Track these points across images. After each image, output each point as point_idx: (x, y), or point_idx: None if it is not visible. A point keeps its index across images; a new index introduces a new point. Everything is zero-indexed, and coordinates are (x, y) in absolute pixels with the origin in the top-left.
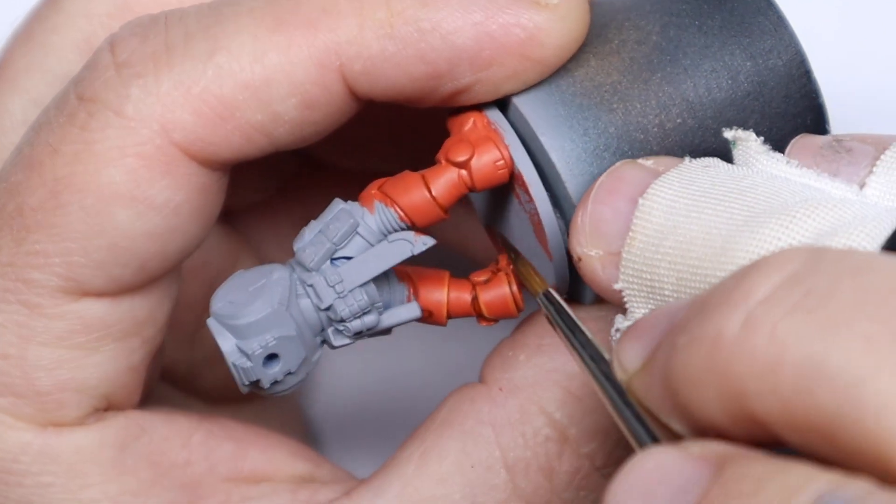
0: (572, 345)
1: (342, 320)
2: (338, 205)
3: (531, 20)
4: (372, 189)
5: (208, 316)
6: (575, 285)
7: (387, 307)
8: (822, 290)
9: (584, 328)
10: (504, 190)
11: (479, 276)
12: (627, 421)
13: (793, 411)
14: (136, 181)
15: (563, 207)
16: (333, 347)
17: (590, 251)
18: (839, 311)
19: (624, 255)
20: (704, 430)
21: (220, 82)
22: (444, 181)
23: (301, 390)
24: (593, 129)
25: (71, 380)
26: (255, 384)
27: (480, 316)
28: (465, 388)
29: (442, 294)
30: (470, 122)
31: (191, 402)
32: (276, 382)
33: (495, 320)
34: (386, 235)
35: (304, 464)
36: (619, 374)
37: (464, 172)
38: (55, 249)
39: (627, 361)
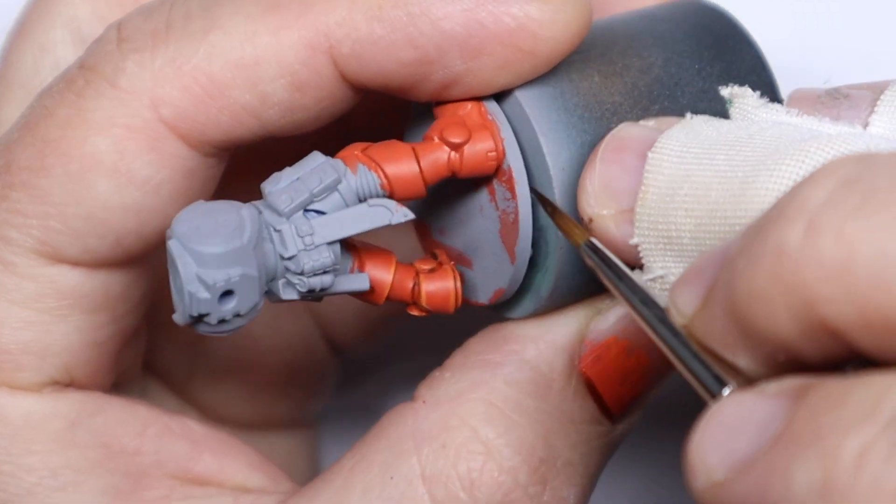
0: (621, 292)
1: (301, 273)
2: (318, 157)
3: (522, 10)
4: (355, 150)
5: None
6: (517, 297)
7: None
8: (882, 188)
9: (632, 275)
10: (458, 184)
11: (424, 265)
12: (689, 364)
13: (869, 311)
14: (119, 153)
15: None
16: (279, 300)
17: (601, 210)
18: None
19: (638, 209)
20: (775, 356)
21: (211, 60)
22: (433, 158)
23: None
24: (590, 142)
25: (34, 342)
26: (199, 319)
27: (414, 305)
28: (397, 406)
29: (388, 274)
30: (467, 107)
31: (187, 414)
32: (221, 321)
33: (427, 313)
34: (362, 199)
35: (260, 476)
36: (678, 319)
37: (454, 155)
38: (34, 211)
39: (684, 304)
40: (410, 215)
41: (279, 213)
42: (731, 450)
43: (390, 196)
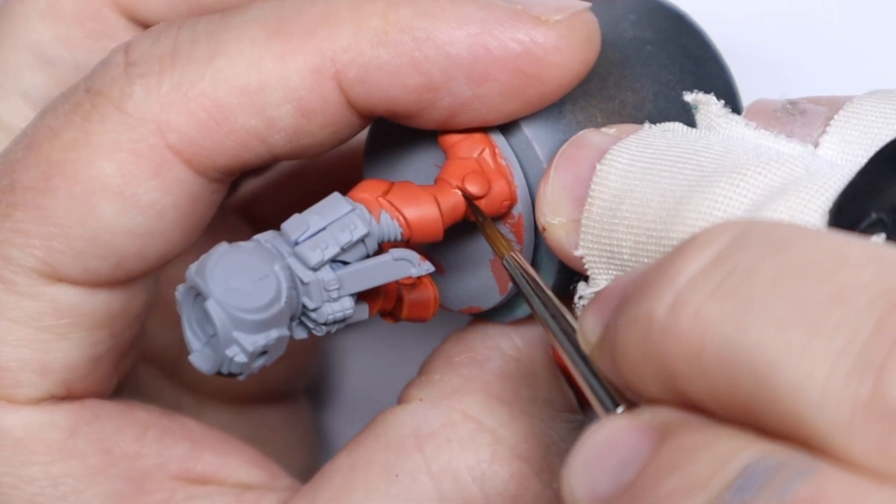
0: (535, 308)
1: (323, 323)
2: (342, 203)
3: (528, 35)
4: (376, 193)
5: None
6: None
7: None
8: (743, 270)
9: (549, 291)
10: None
11: (405, 279)
12: (592, 386)
13: (718, 393)
14: (125, 177)
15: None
16: (292, 338)
17: (553, 219)
18: (756, 291)
19: (583, 220)
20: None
21: (217, 86)
22: (452, 204)
23: (312, 395)
24: None
25: (33, 360)
26: (225, 373)
27: (391, 314)
28: (393, 407)
29: (378, 297)
30: (481, 149)
31: (182, 397)
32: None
33: (397, 320)
34: (380, 245)
35: (259, 473)
36: (583, 345)
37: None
38: (37, 231)
39: (588, 332)
40: (431, 268)
41: (308, 267)
42: (594, 482)
43: (408, 239)
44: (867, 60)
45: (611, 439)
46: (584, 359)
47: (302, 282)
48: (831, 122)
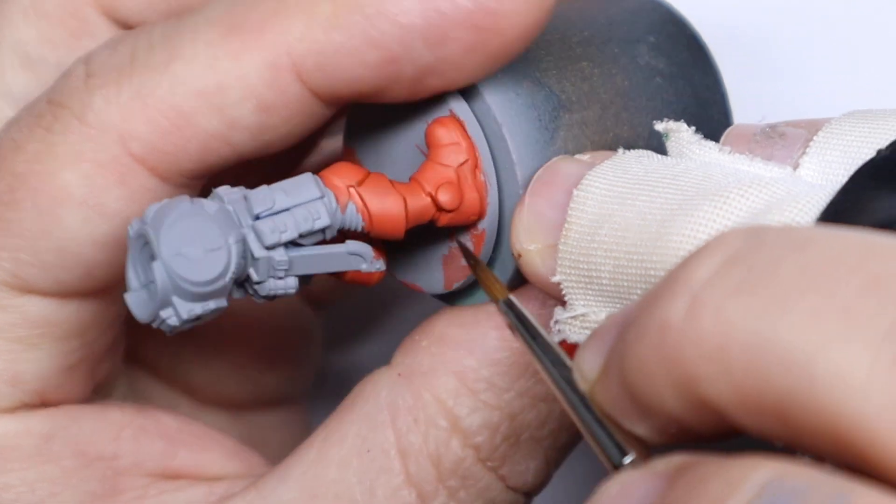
0: (534, 352)
1: (264, 296)
2: (311, 187)
3: None
4: (349, 181)
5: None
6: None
7: None
8: (765, 268)
9: (546, 336)
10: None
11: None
12: (592, 431)
13: (745, 393)
14: (89, 187)
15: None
16: (230, 297)
17: (529, 246)
18: (784, 286)
19: (560, 246)
20: (667, 429)
21: (175, 91)
22: (420, 209)
23: (311, 399)
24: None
25: (4, 371)
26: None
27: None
28: (373, 373)
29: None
30: (463, 160)
31: (179, 402)
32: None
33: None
34: (341, 232)
35: (237, 465)
36: (581, 385)
37: (437, 210)
38: (4, 244)
39: (587, 369)
40: (382, 267)
41: (262, 245)
42: None
43: (368, 233)
44: (866, 65)
45: (624, 489)
46: (587, 405)
47: (253, 256)
48: (810, 143)
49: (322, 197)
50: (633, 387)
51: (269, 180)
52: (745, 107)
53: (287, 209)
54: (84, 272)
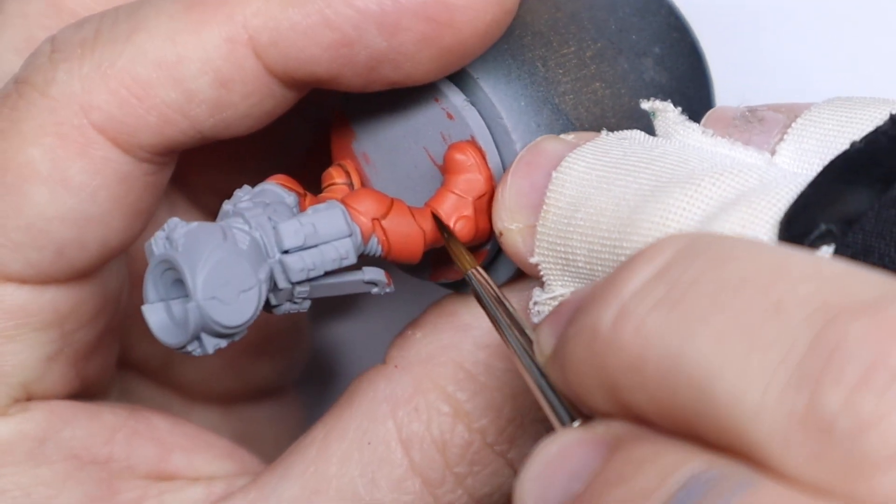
0: (497, 323)
1: (272, 310)
2: (341, 225)
3: None
4: (373, 216)
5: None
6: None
7: None
8: (684, 283)
9: (510, 307)
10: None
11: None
12: (548, 400)
13: (659, 405)
14: (53, 161)
15: None
16: None
17: (510, 224)
18: (697, 304)
19: (539, 228)
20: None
21: (135, 62)
22: (435, 239)
23: (305, 390)
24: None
25: None
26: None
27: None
28: (368, 370)
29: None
30: (481, 193)
31: (171, 401)
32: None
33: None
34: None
35: (231, 465)
36: (539, 357)
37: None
38: None
39: (543, 344)
40: (392, 290)
41: (288, 280)
42: (544, 494)
43: (385, 258)
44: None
45: (563, 452)
46: (541, 372)
47: (277, 287)
48: (788, 130)
49: (350, 235)
50: (569, 381)
51: (260, 171)
52: (730, 85)
53: (315, 246)
54: (55, 251)
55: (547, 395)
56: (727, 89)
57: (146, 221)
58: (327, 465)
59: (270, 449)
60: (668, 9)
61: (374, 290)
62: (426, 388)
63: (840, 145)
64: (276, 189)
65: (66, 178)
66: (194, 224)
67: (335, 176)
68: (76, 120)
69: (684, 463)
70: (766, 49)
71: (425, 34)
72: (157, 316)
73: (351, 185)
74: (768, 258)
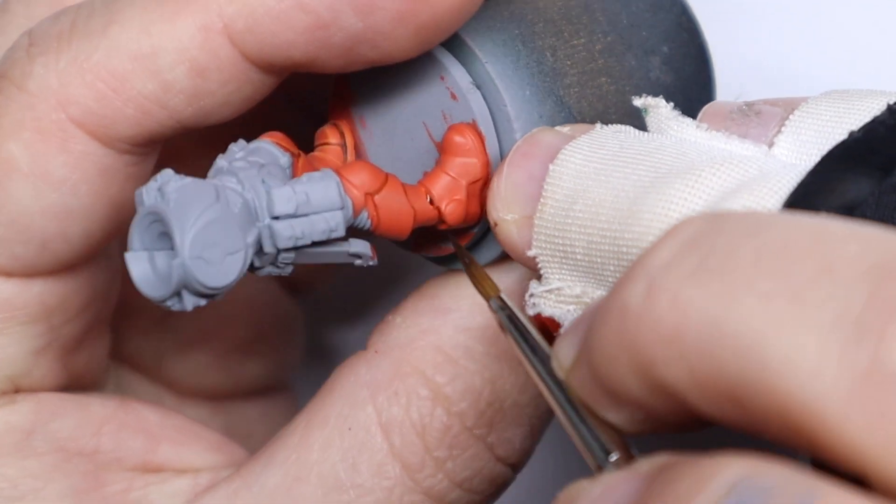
0: (522, 349)
1: (255, 271)
2: (334, 197)
3: None
4: (367, 191)
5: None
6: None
7: None
8: (720, 252)
9: (534, 333)
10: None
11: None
12: (579, 430)
13: (700, 377)
14: (33, 155)
15: None
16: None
17: (505, 215)
18: (736, 271)
19: (536, 220)
20: (634, 414)
21: (111, 55)
22: (425, 218)
23: (299, 386)
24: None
25: None
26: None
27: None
28: (351, 357)
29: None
30: (476, 178)
31: (163, 396)
32: None
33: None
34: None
35: (219, 457)
36: (559, 373)
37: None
38: None
39: (563, 356)
40: (375, 264)
41: (275, 246)
42: None
43: (372, 233)
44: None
45: (606, 491)
46: (573, 404)
47: (262, 251)
48: (786, 122)
49: (342, 208)
50: (598, 371)
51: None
52: (729, 80)
53: (306, 214)
54: (39, 245)
55: (579, 427)
56: (726, 84)
57: (130, 213)
58: (309, 451)
59: (262, 446)
60: (681, 7)
61: (358, 262)
62: (405, 372)
63: (838, 136)
64: (271, 148)
65: (46, 173)
66: (188, 179)
67: (329, 135)
68: (54, 115)
69: (724, 466)
70: (765, 45)
71: (400, 12)
72: (139, 266)
73: (344, 146)
74: (806, 224)
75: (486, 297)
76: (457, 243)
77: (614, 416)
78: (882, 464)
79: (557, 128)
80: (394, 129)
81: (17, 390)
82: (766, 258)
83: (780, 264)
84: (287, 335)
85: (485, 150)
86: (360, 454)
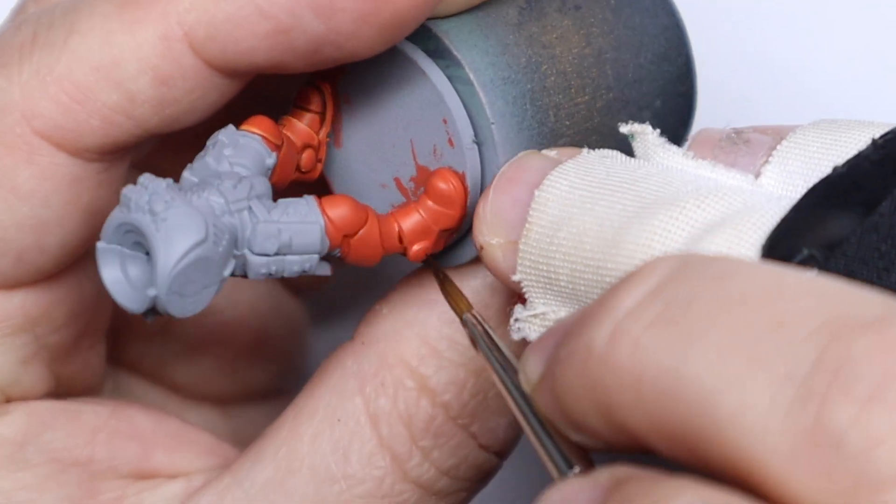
0: (493, 366)
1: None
2: (315, 240)
3: None
4: (345, 234)
5: None
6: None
7: None
8: (681, 301)
9: (505, 350)
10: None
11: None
12: (542, 442)
13: (657, 423)
14: (0, 170)
15: None
16: None
17: (491, 239)
18: (695, 321)
19: (521, 246)
20: (595, 441)
21: (72, 67)
22: (392, 250)
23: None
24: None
25: None
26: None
27: None
28: (337, 348)
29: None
30: (448, 226)
31: (168, 402)
32: None
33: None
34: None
35: (216, 460)
36: (525, 386)
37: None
38: None
39: (530, 371)
40: (329, 273)
41: (253, 253)
42: None
43: (341, 261)
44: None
45: (565, 498)
46: (539, 420)
47: (239, 263)
48: (773, 152)
49: (319, 252)
50: (560, 401)
51: None
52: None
53: (289, 237)
54: (15, 258)
55: (544, 441)
56: (727, 83)
57: (106, 217)
58: (299, 444)
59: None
60: (686, 57)
61: (319, 272)
62: (391, 363)
63: (824, 168)
64: (258, 146)
65: (15, 187)
66: (179, 203)
67: (311, 100)
68: (18, 128)
69: (679, 495)
70: (765, 48)
71: (362, 12)
72: (111, 271)
73: (322, 115)
74: (766, 275)
75: (459, 314)
76: (431, 260)
77: (575, 437)
78: None
79: (544, 151)
80: (379, 129)
81: (8, 399)
82: (723, 310)
83: (735, 317)
84: (293, 338)
85: (466, 203)
86: (350, 445)
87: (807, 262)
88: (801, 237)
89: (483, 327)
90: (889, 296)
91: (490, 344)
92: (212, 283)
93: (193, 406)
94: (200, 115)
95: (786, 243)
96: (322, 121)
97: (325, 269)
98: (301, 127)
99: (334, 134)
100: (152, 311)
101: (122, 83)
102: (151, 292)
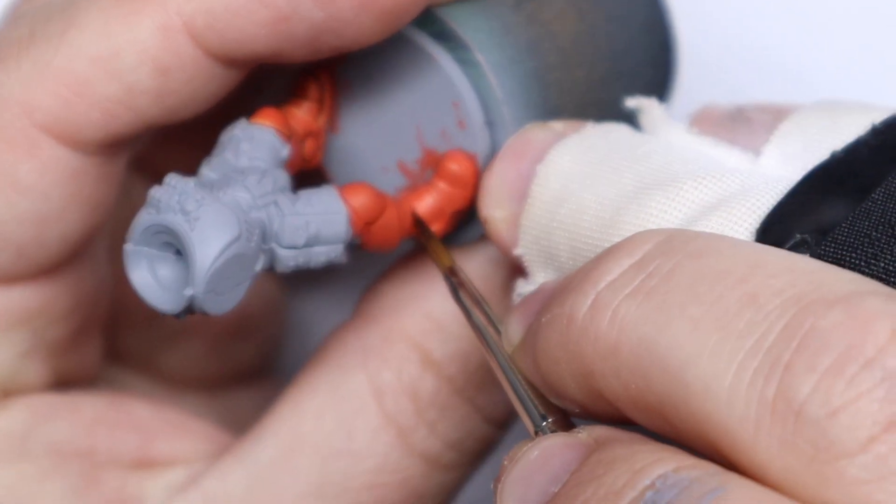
0: (472, 320)
1: None
2: (340, 230)
3: None
4: (367, 221)
5: None
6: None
7: None
8: (661, 274)
9: (486, 305)
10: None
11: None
12: (518, 394)
13: (632, 393)
14: (1, 164)
15: None
16: None
17: (495, 213)
18: (673, 294)
19: (522, 220)
20: (573, 407)
21: (71, 59)
22: (407, 236)
23: (290, 372)
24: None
25: None
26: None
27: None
28: (337, 326)
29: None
30: (457, 205)
31: (156, 389)
32: None
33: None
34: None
35: (215, 448)
36: (506, 346)
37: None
38: None
39: (511, 333)
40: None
41: (272, 266)
42: (524, 497)
43: (360, 247)
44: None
45: (544, 455)
46: (513, 369)
47: (262, 268)
48: (773, 133)
49: (345, 242)
50: (540, 367)
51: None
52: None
53: (312, 246)
54: (15, 252)
55: (519, 394)
56: (725, 82)
57: (106, 211)
58: (302, 421)
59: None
60: (668, 25)
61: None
62: (394, 337)
63: (823, 151)
64: (272, 139)
65: (15, 181)
66: (211, 202)
67: (308, 90)
68: (18, 122)
69: (656, 462)
70: (764, 43)
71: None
72: (140, 273)
73: (320, 103)
74: (745, 253)
75: (440, 268)
76: (416, 216)
77: (555, 401)
78: (783, 486)
79: (550, 123)
80: (380, 112)
81: (8, 393)
82: (701, 284)
83: (712, 291)
84: (272, 314)
85: (477, 184)
86: (354, 421)
87: (798, 247)
88: (794, 222)
89: (465, 284)
90: (864, 277)
91: (472, 302)
92: (245, 280)
93: (183, 393)
94: (200, 105)
95: (779, 228)
96: (320, 108)
97: (343, 257)
98: (301, 115)
99: (333, 116)
100: (187, 310)
101: (121, 74)
102: (188, 292)
